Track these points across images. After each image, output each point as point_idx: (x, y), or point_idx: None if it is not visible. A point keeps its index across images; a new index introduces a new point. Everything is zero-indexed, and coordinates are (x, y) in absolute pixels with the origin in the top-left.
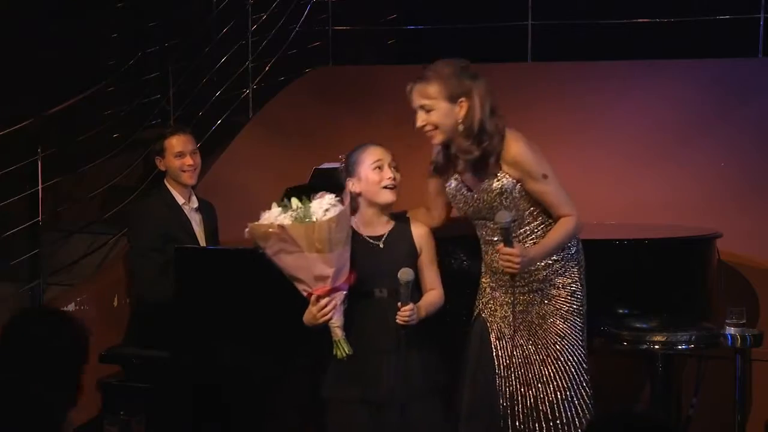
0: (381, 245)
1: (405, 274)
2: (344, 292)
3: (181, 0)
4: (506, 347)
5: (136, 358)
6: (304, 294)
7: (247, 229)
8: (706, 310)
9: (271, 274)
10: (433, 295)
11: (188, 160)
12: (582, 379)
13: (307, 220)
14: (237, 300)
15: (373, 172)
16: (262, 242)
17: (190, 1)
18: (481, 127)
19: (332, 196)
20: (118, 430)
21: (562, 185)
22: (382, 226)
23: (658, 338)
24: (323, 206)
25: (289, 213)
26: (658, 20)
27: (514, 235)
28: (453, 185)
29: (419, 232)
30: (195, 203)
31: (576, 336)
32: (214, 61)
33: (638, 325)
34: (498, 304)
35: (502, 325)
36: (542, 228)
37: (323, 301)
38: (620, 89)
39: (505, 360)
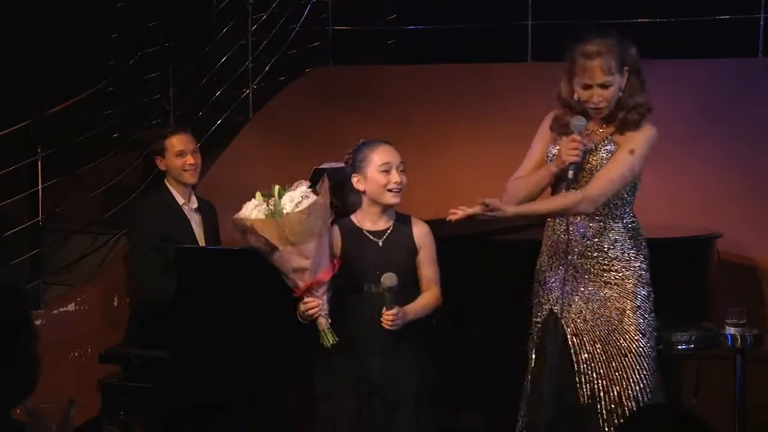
0: (380, 242)
1: (387, 279)
2: (326, 283)
3: (181, 0)
4: (584, 343)
5: (136, 358)
6: (292, 288)
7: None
8: (706, 310)
9: (271, 274)
10: (428, 296)
11: (190, 159)
12: (654, 375)
13: (278, 216)
14: (237, 300)
15: (380, 174)
16: (244, 236)
17: (190, 1)
18: (642, 88)
19: (305, 187)
20: (118, 430)
21: (621, 183)
22: (384, 222)
23: None
24: (295, 199)
25: (263, 207)
26: (658, 20)
27: None
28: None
29: (419, 231)
30: (195, 203)
31: (652, 334)
32: (214, 61)
33: None
34: (571, 299)
35: (578, 320)
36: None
37: (306, 299)
38: None
39: (585, 355)
